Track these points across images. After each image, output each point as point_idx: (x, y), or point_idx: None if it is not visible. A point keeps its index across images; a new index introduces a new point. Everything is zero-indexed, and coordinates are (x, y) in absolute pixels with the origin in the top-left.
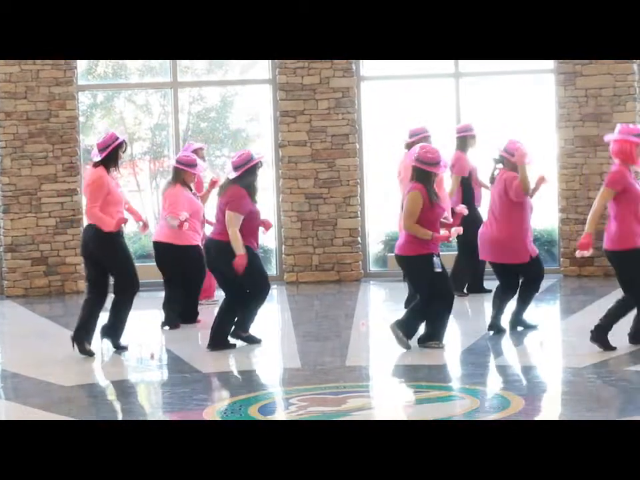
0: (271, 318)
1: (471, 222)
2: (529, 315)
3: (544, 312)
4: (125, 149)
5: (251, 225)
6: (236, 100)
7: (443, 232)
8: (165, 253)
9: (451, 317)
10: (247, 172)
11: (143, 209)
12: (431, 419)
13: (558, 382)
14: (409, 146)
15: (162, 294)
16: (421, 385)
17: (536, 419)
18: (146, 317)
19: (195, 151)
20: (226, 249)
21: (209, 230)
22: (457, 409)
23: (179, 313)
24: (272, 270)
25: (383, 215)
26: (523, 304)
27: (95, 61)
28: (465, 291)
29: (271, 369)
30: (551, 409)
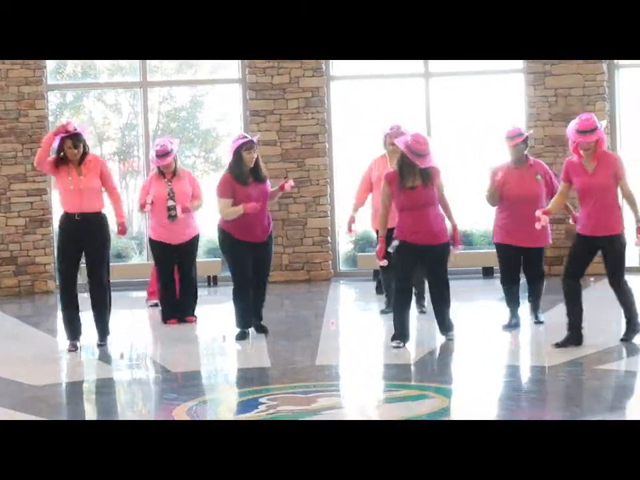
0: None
1: None
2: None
3: None
4: (74, 145)
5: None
6: (206, 100)
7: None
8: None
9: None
10: (233, 157)
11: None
12: (402, 419)
13: (527, 381)
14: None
15: (134, 294)
16: (390, 384)
17: (506, 418)
18: (117, 316)
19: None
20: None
21: None
22: (427, 408)
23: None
24: None
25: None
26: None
27: (64, 61)
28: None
29: (241, 368)
30: (520, 408)
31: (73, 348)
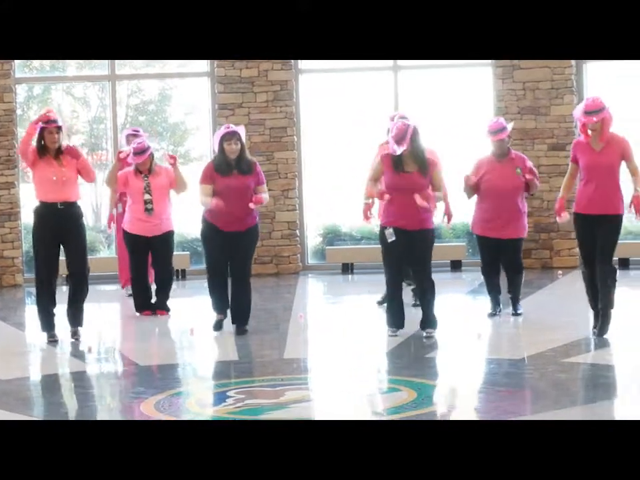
0: (209, 310)
1: None
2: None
3: (482, 304)
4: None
5: (222, 200)
6: (174, 93)
7: None
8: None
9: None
10: (217, 147)
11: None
12: (369, 419)
13: (495, 374)
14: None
15: (102, 287)
16: (360, 377)
17: (474, 412)
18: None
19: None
20: None
21: None
22: (394, 401)
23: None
24: None
25: (322, 208)
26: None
27: None
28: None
29: (209, 362)
30: (488, 401)
31: (53, 339)
